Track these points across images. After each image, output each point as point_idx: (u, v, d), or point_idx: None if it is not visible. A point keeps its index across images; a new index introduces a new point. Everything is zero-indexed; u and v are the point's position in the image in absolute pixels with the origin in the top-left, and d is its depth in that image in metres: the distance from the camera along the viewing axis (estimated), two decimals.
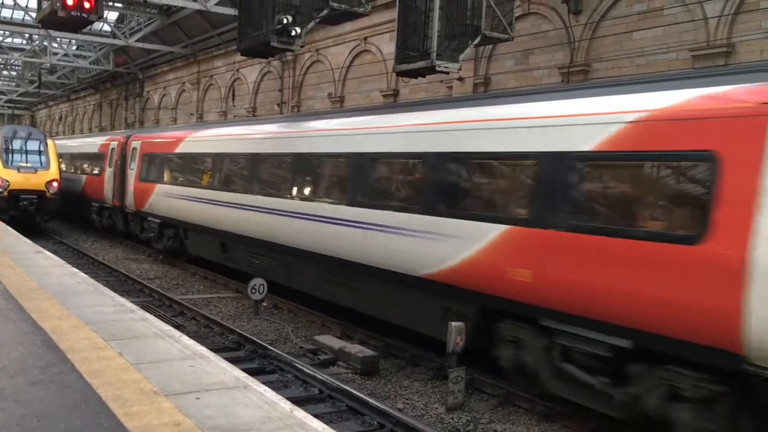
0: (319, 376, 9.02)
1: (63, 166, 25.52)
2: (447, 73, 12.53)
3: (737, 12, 12.32)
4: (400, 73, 12.76)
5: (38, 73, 42.96)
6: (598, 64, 14.70)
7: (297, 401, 6.19)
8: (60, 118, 60.48)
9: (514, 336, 8.29)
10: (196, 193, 16.72)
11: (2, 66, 51.21)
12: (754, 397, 6.16)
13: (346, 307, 11.78)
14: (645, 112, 6.88)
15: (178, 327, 10.82)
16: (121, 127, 41.12)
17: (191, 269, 18.24)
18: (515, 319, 8.24)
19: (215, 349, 8.08)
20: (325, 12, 12.01)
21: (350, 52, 22.49)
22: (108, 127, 45.33)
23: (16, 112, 66.28)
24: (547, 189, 7.73)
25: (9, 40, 41.32)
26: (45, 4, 12.26)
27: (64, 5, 11.43)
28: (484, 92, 16.90)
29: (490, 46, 16.12)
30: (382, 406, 8.00)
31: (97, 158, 25.02)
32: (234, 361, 7.64)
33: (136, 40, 31.92)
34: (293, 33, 11.54)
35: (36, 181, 22.84)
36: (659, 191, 7.01)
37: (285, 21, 11.40)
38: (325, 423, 4.86)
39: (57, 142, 26.89)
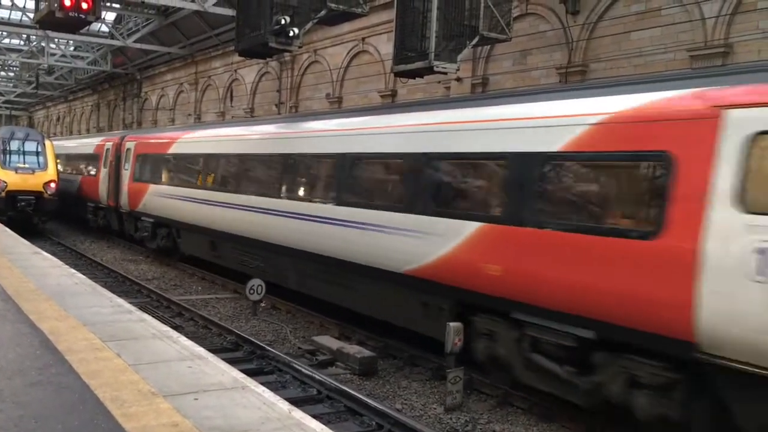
0: (317, 377, 9.01)
1: (60, 166, 25.54)
2: (445, 73, 12.54)
3: (735, 12, 12.34)
4: (398, 74, 12.77)
5: (36, 73, 42.93)
6: (596, 64, 14.72)
7: (295, 402, 6.18)
8: (58, 119, 60.43)
9: (488, 329, 8.63)
10: (187, 193, 17.06)
11: (0, 67, 51.14)
12: (706, 384, 6.47)
13: (344, 308, 11.79)
14: (606, 115, 7.27)
15: (176, 328, 10.81)
16: (119, 128, 41.09)
17: (189, 270, 18.23)
18: (489, 313, 8.59)
19: (213, 350, 8.07)
20: (323, 12, 12.02)
21: (348, 53, 22.50)
22: (106, 127, 45.27)
23: (13, 113, 66.24)
24: (515, 188, 8.15)
25: (6, 40, 41.27)
26: (43, 5, 12.27)
27: (62, 6, 11.44)
28: (478, 93, 16.91)
29: (488, 46, 16.13)
30: (381, 407, 8.00)
31: (92, 159, 25.22)
32: (232, 361, 7.62)
33: (134, 41, 31.90)
34: (291, 33, 11.55)
35: (34, 182, 22.82)
36: (618, 189, 7.41)
37: (283, 21, 11.41)
38: (324, 423, 4.84)
39: (54, 143, 26.90)
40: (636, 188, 7.21)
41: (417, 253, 9.36)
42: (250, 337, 11.02)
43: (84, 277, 10.09)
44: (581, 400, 7.58)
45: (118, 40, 32.13)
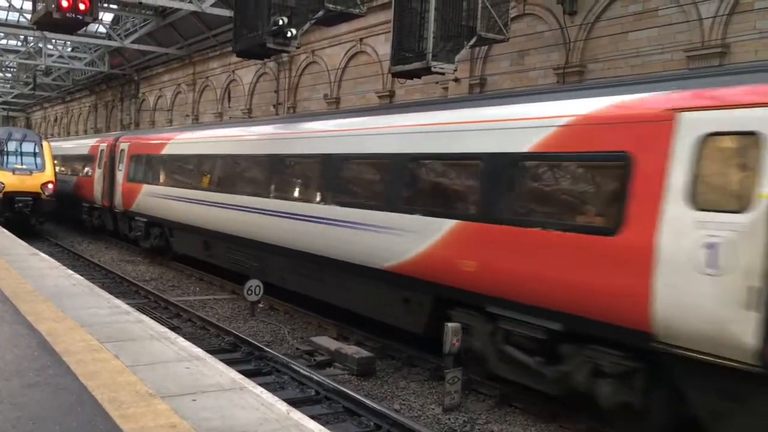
0: (315, 378, 9.01)
1: (56, 167, 25.61)
2: (443, 74, 12.53)
3: (732, 12, 12.35)
4: (396, 74, 12.75)
5: (33, 74, 42.88)
6: (593, 64, 14.73)
7: (293, 403, 6.18)
8: (55, 120, 60.32)
9: (465, 323, 8.87)
10: (179, 193, 17.44)
11: None
12: (663, 372, 6.83)
13: (342, 309, 11.80)
14: (572, 117, 7.69)
15: (174, 329, 10.82)
16: (116, 129, 41.08)
17: (187, 271, 18.23)
18: (466, 307, 8.93)
19: (211, 351, 8.05)
20: (320, 13, 11.99)
21: (346, 53, 22.49)
22: (103, 128, 45.20)
23: (10, 113, 66.09)
24: (489, 187, 8.55)
25: (4, 41, 41.20)
26: (40, 6, 12.25)
27: (59, 7, 11.42)
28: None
29: (486, 47, 16.13)
30: (379, 407, 8.00)
31: (87, 160, 25.50)
32: (230, 362, 7.63)
33: (132, 42, 31.84)
34: (289, 34, 11.53)
35: (31, 183, 22.81)
36: (583, 188, 7.76)
37: (280, 22, 11.39)
38: (322, 424, 4.85)
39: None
40: (599, 187, 7.55)
41: (398, 250, 9.72)
42: (248, 338, 11.02)
43: (81, 278, 10.08)
44: (549, 389, 7.97)
45: (115, 41, 32.07)
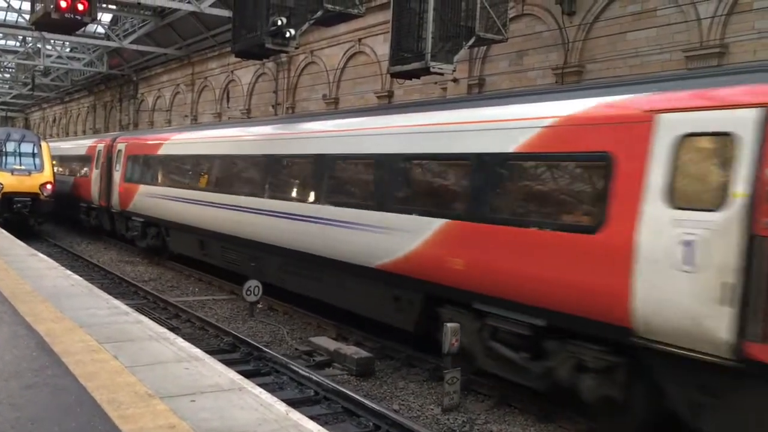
0: (314, 378, 9.01)
1: (55, 168, 25.65)
2: (441, 74, 12.54)
3: (730, 13, 12.35)
4: (395, 75, 12.75)
5: (32, 75, 42.85)
6: (592, 65, 14.74)
7: (292, 403, 6.18)
8: (54, 121, 60.26)
9: (454, 319, 9.00)
10: (175, 193, 17.63)
11: None
12: (643, 366, 6.97)
13: (341, 309, 11.80)
14: (556, 118, 7.86)
15: (172, 329, 10.81)
16: (115, 130, 41.05)
17: (186, 271, 18.23)
18: (454, 305, 9.11)
19: (210, 352, 8.05)
20: (319, 13, 12.00)
21: (345, 54, 22.48)
22: (102, 129, 45.17)
23: (9, 114, 66.05)
24: (476, 186, 8.73)
25: (2, 42, 41.20)
26: (38, 6, 12.24)
27: (58, 7, 11.41)
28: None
29: (485, 47, 16.13)
30: (378, 408, 8.00)
31: (85, 160, 25.66)
32: (229, 363, 7.62)
33: (130, 42, 31.82)
34: (287, 35, 11.53)
35: (30, 183, 22.80)
36: (567, 187, 7.94)
37: (279, 22, 11.39)
38: (321, 425, 4.84)
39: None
40: (582, 186, 7.74)
41: (389, 249, 9.88)
42: (247, 339, 11.01)
43: (80, 278, 10.06)
44: (534, 384, 8.11)
45: (114, 41, 32.05)
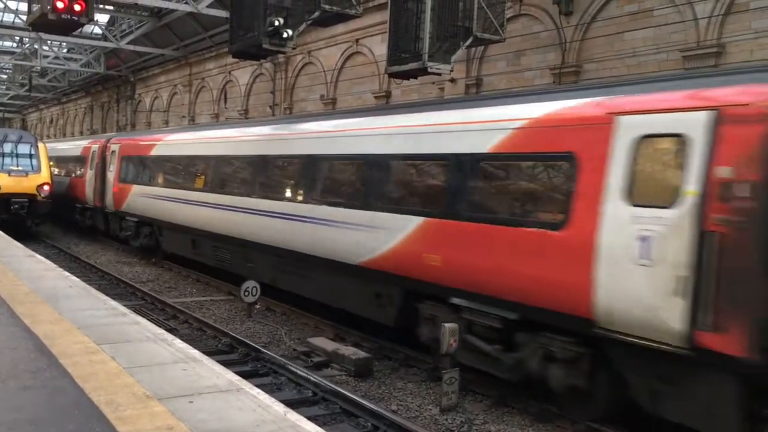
0: (312, 379, 9.01)
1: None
2: (439, 74, 12.56)
3: (727, 13, 12.37)
4: (392, 75, 12.77)
5: (29, 76, 42.73)
6: (589, 65, 14.75)
7: (290, 404, 6.17)
8: (51, 122, 60.19)
9: (431, 314, 9.45)
10: (168, 193, 17.95)
11: None
12: (606, 355, 7.33)
13: (340, 310, 11.81)
14: (525, 120, 8.23)
15: (170, 330, 10.81)
16: (112, 130, 41.06)
17: (183, 272, 18.21)
18: (432, 300, 9.43)
19: (208, 353, 8.05)
20: (316, 14, 12.00)
21: (342, 54, 22.48)
22: (99, 130, 45.13)
23: (6, 115, 65.94)
24: (452, 185, 9.11)
25: None
26: (35, 7, 12.21)
27: (55, 8, 11.39)
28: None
29: (482, 47, 16.14)
30: (376, 408, 8.00)
31: (80, 161, 25.89)
32: (227, 364, 7.61)
33: (128, 43, 31.82)
34: (285, 35, 11.54)
35: (27, 184, 22.77)
36: (535, 186, 8.33)
37: (276, 23, 11.40)
38: (319, 425, 4.85)
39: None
40: (549, 185, 8.15)
41: (370, 247, 10.22)
42: (245, 339, 11.01)
43: (78, 279, 10.06)
44: (506, 374, 8.46)
45: (111, 42, 32.04)
